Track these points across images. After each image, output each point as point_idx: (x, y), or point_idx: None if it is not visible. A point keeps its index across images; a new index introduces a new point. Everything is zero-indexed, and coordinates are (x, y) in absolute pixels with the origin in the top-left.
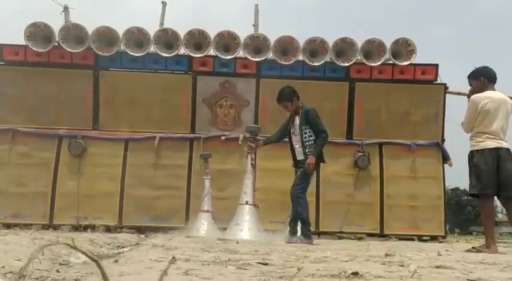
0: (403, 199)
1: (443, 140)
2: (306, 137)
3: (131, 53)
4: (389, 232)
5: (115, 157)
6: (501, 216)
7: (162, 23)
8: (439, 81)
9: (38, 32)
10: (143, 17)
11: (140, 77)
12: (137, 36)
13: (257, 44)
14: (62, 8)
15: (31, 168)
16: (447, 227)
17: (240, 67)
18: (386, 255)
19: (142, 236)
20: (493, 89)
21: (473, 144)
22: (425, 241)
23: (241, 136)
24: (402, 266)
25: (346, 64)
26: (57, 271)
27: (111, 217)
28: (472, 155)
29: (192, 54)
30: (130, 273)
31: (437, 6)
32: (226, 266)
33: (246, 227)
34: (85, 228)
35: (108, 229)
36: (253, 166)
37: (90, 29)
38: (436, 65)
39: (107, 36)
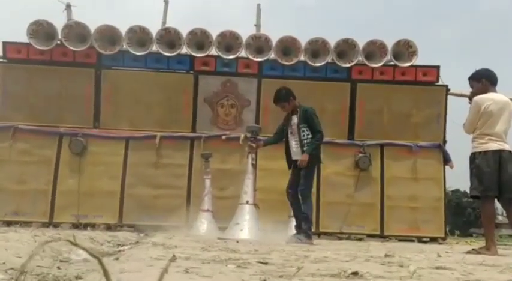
0: (404, 200)
1: (444, 142)
2: (304, 136)
3: (133, 52)
4: (389, 233)
5: (115, 156)
6: (501, 218)
7: (164, 22)
8: (440, 82)
9: (41, 30)
10: (145, 15)
11: (142, 76)
12: (139, 35)
13: (259, 44)
14: (65, 6)
15: (32, 166)
16: (447, 229)
17: (241, 67)
18: (386, 256)
19: (142, 234)
20: (495, 91)
21: (475, 145)
22: (425, 242)
23: (242, 136)
24: (402, 266)
25: (348, 65)
26: (58, 267)
27: (111, 215)
28: (473, 156)
29: (194, 54)
30: (130, 270)
31: (439, 7)
32: (226, 265)
33: (246, 226)
34: (85, 226)
35: (108, 227)
36: (254, 165)
37: (92, 27)
38: (438, 67)
39: (109, 34)
